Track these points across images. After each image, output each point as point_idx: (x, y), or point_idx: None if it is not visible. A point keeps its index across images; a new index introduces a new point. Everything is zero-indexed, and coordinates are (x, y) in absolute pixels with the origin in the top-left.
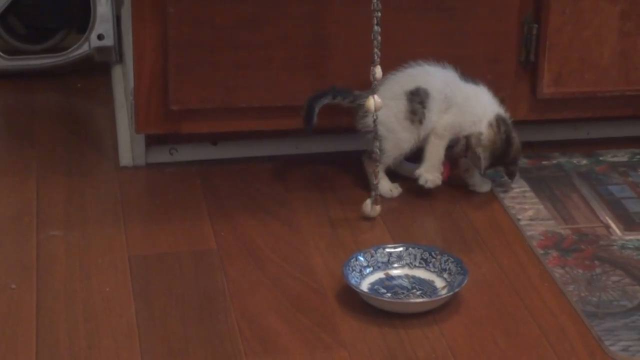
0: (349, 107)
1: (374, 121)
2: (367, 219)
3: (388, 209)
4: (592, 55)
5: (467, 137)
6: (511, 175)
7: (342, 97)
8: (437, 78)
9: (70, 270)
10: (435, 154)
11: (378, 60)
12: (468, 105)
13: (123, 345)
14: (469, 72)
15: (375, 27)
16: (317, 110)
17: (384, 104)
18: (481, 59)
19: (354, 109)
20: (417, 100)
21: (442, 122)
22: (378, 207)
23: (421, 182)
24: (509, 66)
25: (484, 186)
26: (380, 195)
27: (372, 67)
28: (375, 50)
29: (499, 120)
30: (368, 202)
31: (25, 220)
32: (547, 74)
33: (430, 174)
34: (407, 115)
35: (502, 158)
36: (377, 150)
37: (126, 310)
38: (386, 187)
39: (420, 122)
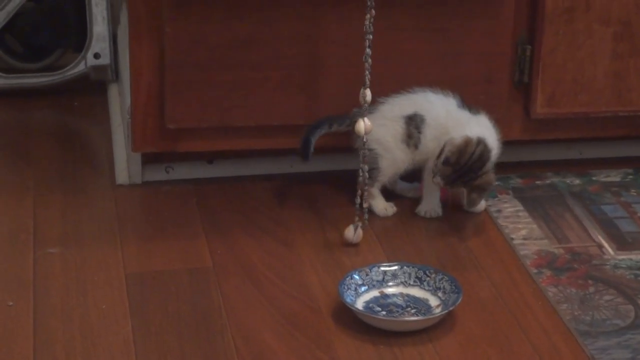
0: (347, 131)
1: (363, 144)
2: (350, 244)
3: (383, 228)
4: (586, 76)
5: (444, 144)
6: (470, 202)
7: (339, 123)
8: (435, 106)
9: (66, 287)
10: (431, 191)
11: (368, 83)
12: (456, 132)
13: None
14: (463, 93)
15: (367, 50)
16: (313, 141)
17: (383, 123)
18: (475, 80)
19: (351, 129)
20: (414, 125)
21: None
22: (361, 233)
23: (421, 214)
24: (502, 87)
25: (478, 206)
26: (373, 215)
27: (362, 90)
28: (367, 72)
29: (480, 140)
30: (351, 227)
31: (21, 237)
32: (541, 95)
33: (428, 205)
34: (403, 138)
35: (467, 175)
36: (365, 173)
37: (122, 327)
38: (381, 205)
39: (416, 146)
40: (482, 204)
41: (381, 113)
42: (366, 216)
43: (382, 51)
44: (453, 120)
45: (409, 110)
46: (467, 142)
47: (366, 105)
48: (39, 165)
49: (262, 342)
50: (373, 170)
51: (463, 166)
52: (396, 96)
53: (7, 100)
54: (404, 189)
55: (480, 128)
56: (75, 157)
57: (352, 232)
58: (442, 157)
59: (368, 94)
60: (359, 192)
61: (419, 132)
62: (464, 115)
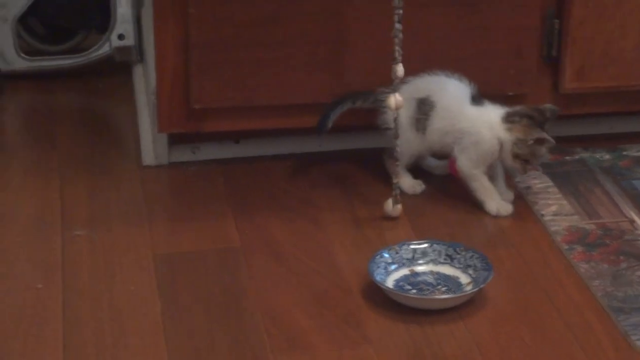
0: (372, 107)
1: (394, 119)
2: (389, 218)
3: (412, 206)
4: (615, 49)
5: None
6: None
7: (363, 100)
8: (450, 95)
9: (95, 269)
10: (483, 191)
11: (400, 58)
12: (479, 135)
13: (149, 343)
14: (491, 67)
15: (397, 25)
16: (333, 117)
17: (404, 104)
18: (504, 54)
19: (376, 107)
20: (423, 109)
21: (461, 162)
22: (399, 207)
23: (493, 214)
24: (531, 61)
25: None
26: (401, 193)
27: (393, 66)
28: (397, 48)
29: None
30: (389, 201)
31: (49, 220)
32: (570, 69)
33: (494, 205)
34: (412, 121)
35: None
36: (398, 149)
37: (151, 308)
38: (408, 183)
39: (423, 132)
40: (510, 196)
41: (400, 92)
42: (397, 191)
43: (409, 27)
44: (465, 120)
45: (422, 94)
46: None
47: (397, 80)
48: (65, 147)
49: (291, 322)
50: (394, 149)
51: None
52: (417, 77)
53: (32, 83)
54: (432, 166)
55: (493, 120)
56: (101, 138)
57: (390, 206)
58: (534, 138)
59: (399, 69)
60: (393, 166)
61: (426, 118)
62: (474, 110)
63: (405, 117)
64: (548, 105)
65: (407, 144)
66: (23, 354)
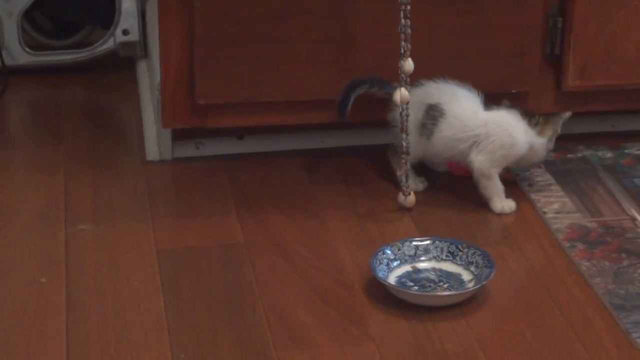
0: (383, 99)
1: (400, 114)
2: (403, 209)
3: (414, 202)
4: (618, 48)
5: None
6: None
7: (379, 87)
8: (460, 104)
9: (98, 264)
10: (489, 191)
11: (408, 53)
12: (504, 134)
13: (152, 338)
14: (494, 65)
15: (403, 21)
16: (352, 99)
17: (413, 106)
18: (506, 53)
19: (388, 101)
20: (431, 115)
21: (479, 160)
22: (412, 197)
23: (497, 212)
24: (534, 60)
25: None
26: (407, 184)
27: (400, 62)
28: (403, 43)
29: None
30: (400, 194)
31: (53, 214)
32: (572, 67)
33: (499, 203)
34: (418, 125)
35: None
36: (404, 143)
37: (155, 303)
38: (411, 181)
39: (428, 137)
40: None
41: (413, 96)
42: (404, 182)
43: (412, 25)
44: (489, 125)
45: (433, 100)
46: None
47: (403, 75)
48: (69, 142)
49: (294, 318)
50: (400, 145)
51: None
52: (430, 82)
53: (37, 78)
54: (435, 163)
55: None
56: (105, 133)
57: (402, 198)
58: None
59: (408, 63)
60: (397, 161)
61: (434, 124)
62: (493, 115)
63: (413, 119)
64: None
65: (414, 148)
66: (27, 348)
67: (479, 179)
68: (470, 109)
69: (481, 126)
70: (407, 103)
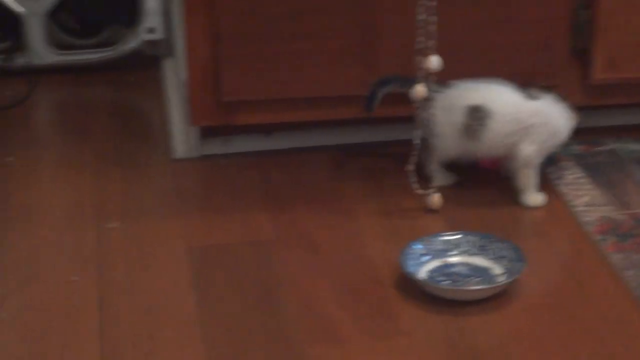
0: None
1: (418, 108)
2: (430, 210)
3: (444, 197)
4: None
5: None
6: None
7: (410, 85)
8: (505, 101)
9: (129, 261)
10: (530, 180)
11: (432, 50)
12: (554, 122)
13: (185, 334)
14: (521, 59)
15: (425, 17)
16: (379, 96)
17: (448, 108)
18: (532, 46)
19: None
20: (477, 116)
21: (526, 151)
22: (438, 198)
23: (528, 204)
24: (560, 53)
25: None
26: (433, 184)
27: (421, 58)
28: (422, 39)
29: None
30: (431, 194)
31: (82, 213)
32: (600, 60)
33: (533, 195)
34: (460, 127)
35: None
36: (417, 141)
37: (186, 300)
38: (440, 176)
39: (475, 138)
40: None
41: (448, 97)
42: (432, 182)
43: (438, 20)
44: (536, 115)
45: (475, 101)
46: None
47: (426, 71)
48: (97, 140)
49: (325, 313)
50: (430, 145)
51: None
52: (466, 83)
53: (63, 77)
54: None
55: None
56: (132, 132)
57: (430, 199)
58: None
59: (434, 60)
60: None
61: (481, 125)
62: (539, 104)
63: (449, 122)
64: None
65: (445, 149)
66: (61, 347)
67: (523, 169)
68: (517, 102)
69: (534, 115)
70: (425, 100)
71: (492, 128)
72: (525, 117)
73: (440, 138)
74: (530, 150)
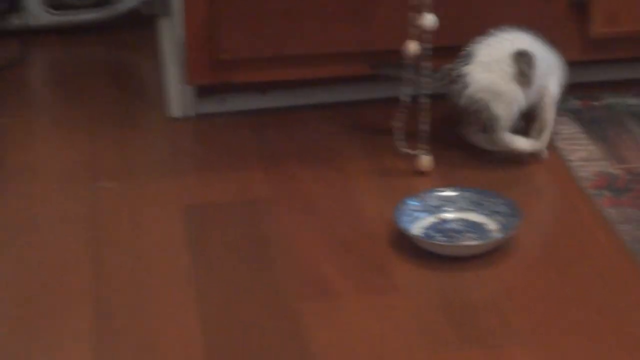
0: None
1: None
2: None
3: (438, 155)
4: None
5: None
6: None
7: (431, 78)
8: (533, 43)
9: (125, 221)
10: (552, 119)
11: (427, 7)
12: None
13: (179, 293)
14: (520, 13)
15: None
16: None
17: (487, 68)
18: (530, 0)
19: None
20: (525, 61)
21: (554, 90)
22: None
23: (537, 148)
24: (559, 6)
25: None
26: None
27: (415, 15)
28: None
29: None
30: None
31: (78, 173)
32: (599, 14)
33: (546, 137)
34: (513, 76)
35: None
36: (404, 99)
37: (181, 259)
38: (524, 143)
39: (529, 84)
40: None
41: (480, 58)
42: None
43: None
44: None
45: (515, 47)
46: None
47: (420, 28)
48: (93, 100)
49: (319, 270)
50: (491, 121)
51: None
52: (489, 38)
53: (59, 37)
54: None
55: None
56: (128, 92)
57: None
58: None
59: (429, 18)
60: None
61: (531, 68)
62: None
63: (500, 78)
64: None
65: (508, 106)
66: (53, 306)
67: (549, 108)
68: (540, 44)
69: (555, 55)
70: (417, 56)
71: (537, 71)
72: (551, 56)
73: (497, 101)
74: (556, 89)
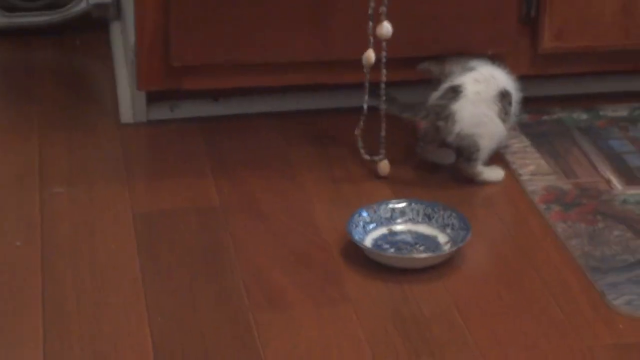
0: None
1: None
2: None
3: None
4: (594, 10)
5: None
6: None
7: (414, 113)
8: (506, 79)
9: (74, 227)
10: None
11: (383, 16)
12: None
13: (129, 301)
14: (471, 28)
15: None
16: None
17: (474, 105)
18: (482, 15)
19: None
20: (507, 100)
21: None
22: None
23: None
24: (509, 22)
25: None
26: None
27: (370, 23)
28: (373, 4)
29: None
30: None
31: (28, 177)
32: (548, 29)
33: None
34: (499, 114)
35: None
36: (365, 106)
37: (131, 266)
38: (493, 174)
39: (507, 122)
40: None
41: (476, 95)
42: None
43: None
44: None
45: (499, 87)
46: None
47: (377, 37)
48: (43, 104)
49: (271, 280)
50: (474, 154)
51: None
52: (472, 73)
53: (9, 40)
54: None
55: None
56: (79, 96)
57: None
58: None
59: (384, 27)
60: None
61: (510, 105)
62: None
63: (490, 114)
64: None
65: (492, 139)
66: (3, 311)
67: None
68: (508, 77)
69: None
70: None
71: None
72: (515, 92)
73: (485, 134)
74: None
